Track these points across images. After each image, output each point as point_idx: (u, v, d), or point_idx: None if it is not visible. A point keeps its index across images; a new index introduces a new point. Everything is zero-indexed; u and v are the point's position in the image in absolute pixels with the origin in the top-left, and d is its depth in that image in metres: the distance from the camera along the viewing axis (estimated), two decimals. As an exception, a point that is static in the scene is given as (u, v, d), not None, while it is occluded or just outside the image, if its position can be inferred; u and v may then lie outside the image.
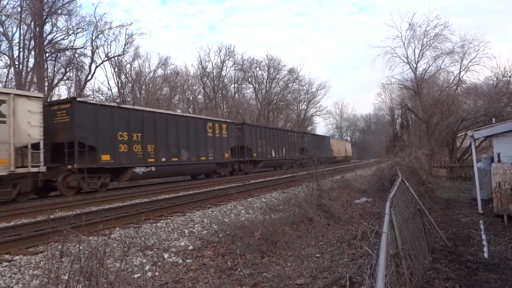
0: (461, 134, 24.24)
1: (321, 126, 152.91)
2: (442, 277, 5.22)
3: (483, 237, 7.64)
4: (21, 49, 29.53)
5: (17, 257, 5.79)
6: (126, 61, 40.34)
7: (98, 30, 34.24)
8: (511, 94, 24.92)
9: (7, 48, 29.44)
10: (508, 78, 29.50)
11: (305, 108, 69.21)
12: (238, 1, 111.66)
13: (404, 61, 40.35)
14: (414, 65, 40.38)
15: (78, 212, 10.11)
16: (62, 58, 32.93)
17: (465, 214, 10.19)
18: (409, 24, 40.97)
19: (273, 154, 31.90)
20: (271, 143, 31.51)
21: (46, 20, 29.97)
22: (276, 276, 4.93)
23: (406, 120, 52.71)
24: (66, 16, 31.85)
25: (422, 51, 39.93)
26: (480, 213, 9.88)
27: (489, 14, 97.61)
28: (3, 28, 28.97)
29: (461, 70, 36.71)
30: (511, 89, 26.73)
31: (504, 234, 7.78)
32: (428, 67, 39.64)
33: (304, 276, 4.98)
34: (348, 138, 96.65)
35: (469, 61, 36.44)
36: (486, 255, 6.43)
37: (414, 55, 40.42)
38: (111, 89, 39.73)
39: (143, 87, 41.96)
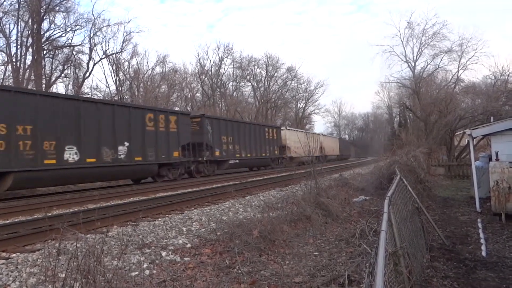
0: (459, 132, 24.27)
1: (320, 125, 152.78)
2: (440, 275, 5.22)
3: (481, 235, 7.65)
4: (18, 46, 29.46)
5: (14, 254, 5.76)
6: (124, 58, 40.35)
7: (96, 27, 34.18)
8: (509, 92, 24.98)
9: (5, 45, 29.35)
10: (506, 77, 29.66)
11: (304, 106, 69.29)
12: (237, 0, 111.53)
13: (402, 60, 40.55)
14: (413, 64, 40.55)
15: (76, 210, 10.08)
16: (60, 55, 32.89)
17: (463, 212, 10.21)
18: (408, 22, 41.10)
19: (71, 157, 14.66)
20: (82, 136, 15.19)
21: (44, 17, 29.86)
22: (274, 274, 4.92)
23: (404, 118, 52.66)
24: (64, 13, 31.77)
25: (420, 50, 40.11)
26: (478, 212, 9.89)
27: (488, 12, 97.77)
28: (0, 25, 28.85)
29: (459, 68, 36.93)
30: (509, 88, 26.80)
31: (502, 233, 7.79)
32: (427, 66, 39.84)
33: (302, 274, 4.97)
34: (346, 136, 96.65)
35: (467, 60, 36.67)
36: (484, 253, 6.43)
37: (413, 53, 40.60)
38: (109, 87, 39.68)
39: (141, 84, 41.88)
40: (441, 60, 38.95)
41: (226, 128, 25.46)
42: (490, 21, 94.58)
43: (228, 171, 27.15)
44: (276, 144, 33.11)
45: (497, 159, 9.48)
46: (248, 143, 28.17)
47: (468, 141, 11.47)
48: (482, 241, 7.22)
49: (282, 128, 37.23)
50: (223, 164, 25.12)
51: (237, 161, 26.52)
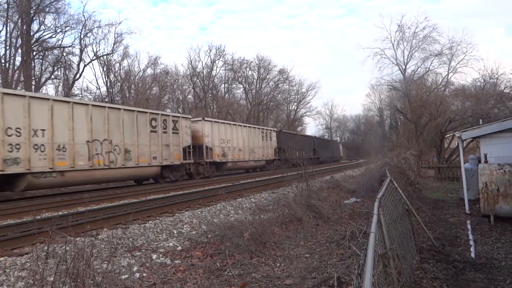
0: (449, 135, 24.53)
1: (311, 127, 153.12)
2: (429, 276, 5.26)
3: (470, 237, 7.72)
4: (7, 47, 29.12)
5: (1, 258, 5.69)
6: (115, 60, 40.02)
7: (87, 28, 33.94)
8: (498, 95, 25.32)
9: (-6, 46, 28.99)
10: (495, 80, 30.02)
11: (295, 108, 69.48)
12: (229, 3, 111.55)
13: (393, 62, 40.94)
14: (403, 67, 40.97)
15: (65, 212, 9.98)
16: (49, 56, 32.57)
17: (453, 214, 10.30)
18: (398, 25, 41.51)
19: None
20: None
21: (34, 18, 29.59)
22: (265, 277, 4.92)
23: (395, 121, 53.12)
24: (54, 14, 31.49)
25: (411, 53, 40.56)
26: (467, 213, 9.99)
27: (477, 16, 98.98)
28: (-11, 26, 28.52)
29: (449, 71, 37.44)
30: (498, 91, 27.17)
31: (491, 234, 7.87)
32: (417, 69, 40.31)
33: (293, 276, 4.98)
34: (338, 138, 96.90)
35: (457, 63, 37.22)
36: (473, 254, 6.49)
37: (403, 56, 41.02)
38: (99, 88, 39.41)
39: (132, 86, 41.63)
40: (431, 63, 39.53)
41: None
42: (479, 25, 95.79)
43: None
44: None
45: (486, 161, 9.58)
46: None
47: (458, 144, 11.58)
48: (471, 242, 7.29)
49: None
50: None
51: None
